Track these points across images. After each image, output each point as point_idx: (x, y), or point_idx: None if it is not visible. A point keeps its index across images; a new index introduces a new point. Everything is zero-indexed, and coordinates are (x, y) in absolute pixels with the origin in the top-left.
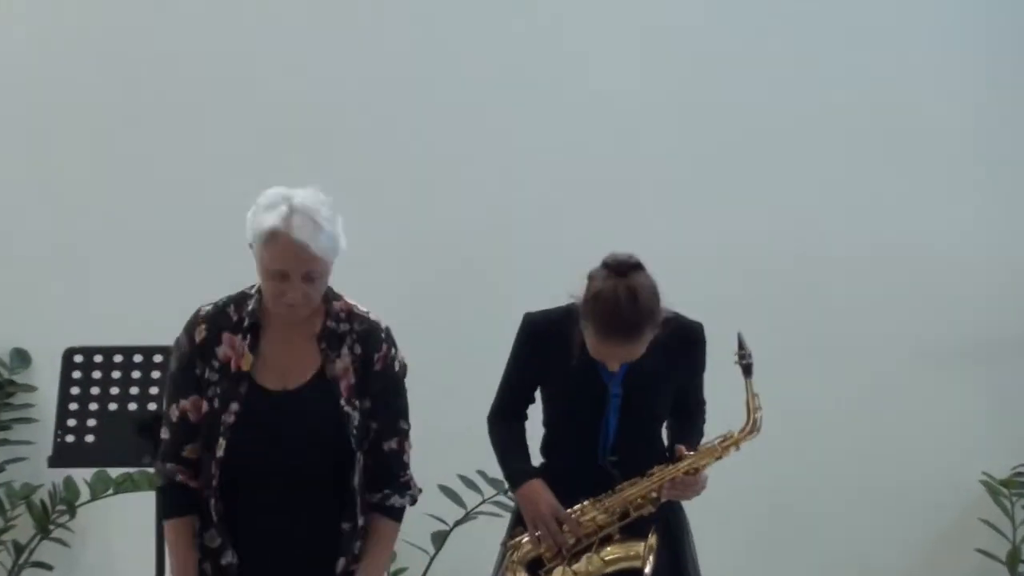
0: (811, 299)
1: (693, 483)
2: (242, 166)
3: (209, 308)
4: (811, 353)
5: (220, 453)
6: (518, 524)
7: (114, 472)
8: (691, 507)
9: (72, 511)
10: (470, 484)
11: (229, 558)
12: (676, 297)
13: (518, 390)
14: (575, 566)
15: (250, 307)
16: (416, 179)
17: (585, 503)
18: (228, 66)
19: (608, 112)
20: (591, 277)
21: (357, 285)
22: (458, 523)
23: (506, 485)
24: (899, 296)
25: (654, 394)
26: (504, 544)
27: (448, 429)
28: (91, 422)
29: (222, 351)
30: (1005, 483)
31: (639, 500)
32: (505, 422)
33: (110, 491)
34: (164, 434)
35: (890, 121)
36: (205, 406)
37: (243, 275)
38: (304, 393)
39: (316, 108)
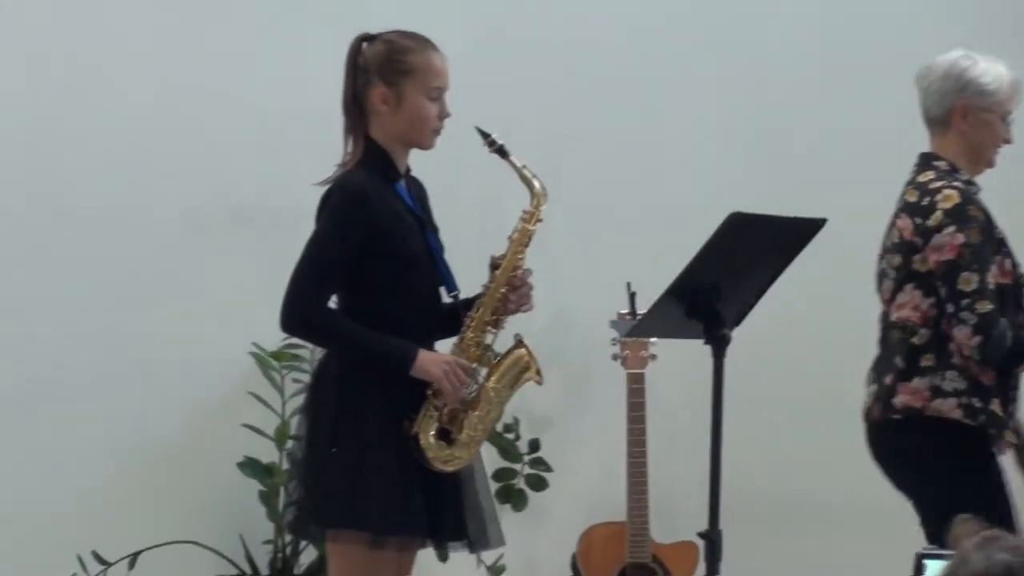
0: None
1: (525, 281)
2: None
3: None
4: None
5: None
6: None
7: None
8: None
9: None
10: None
11: None
12: None
13: (339, 267)
14: (477, 410)
15: None
16: None
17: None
18: None
19: None
20: None
21: None
22: None
23: None
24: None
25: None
26: (414, 434)
27: None
28: None
29: None
30: (276, 355)
31: (491, 318)
32: (326, 307)
33: None
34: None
35: None
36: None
37: None
38: None
39: None
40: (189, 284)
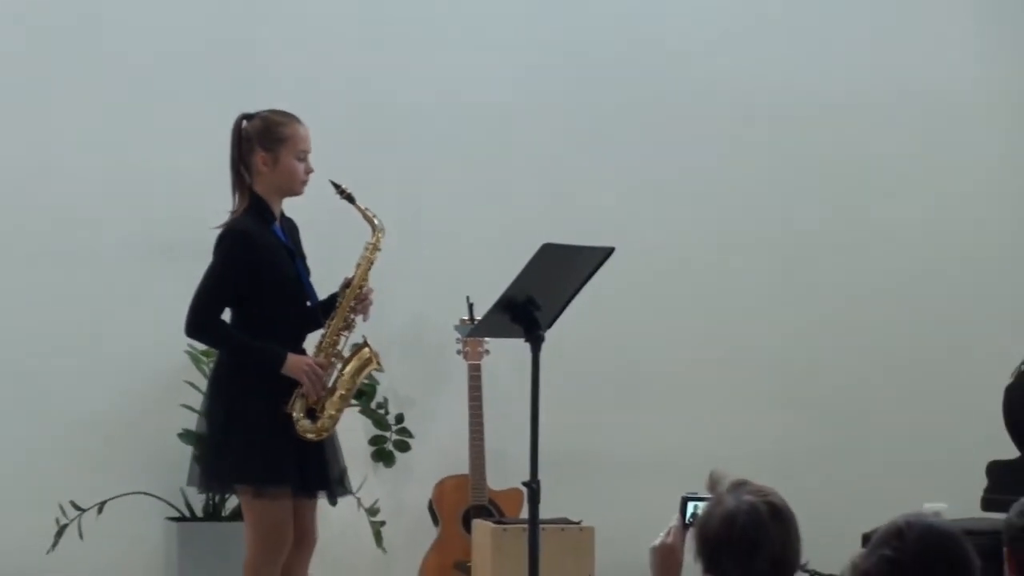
0: None
1: (367, 297)
2: None
3: None
4: None
5: None
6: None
7: None
8: None
9: None
10: None
11: None
12: None
13: (227, 291)
14: (335, 395)
15: None
16: None
17: (314, 352)
18: None
19: None
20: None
21: None
22: None
23: None
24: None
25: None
26: (288, 413)
27: None
28: None
29: None
30: (205, 354)
31: (343, 324)
32: (218, 319)
33: None
34: None
35: None
36: None
37: None
38: None
39: None
40: (140, 302)
